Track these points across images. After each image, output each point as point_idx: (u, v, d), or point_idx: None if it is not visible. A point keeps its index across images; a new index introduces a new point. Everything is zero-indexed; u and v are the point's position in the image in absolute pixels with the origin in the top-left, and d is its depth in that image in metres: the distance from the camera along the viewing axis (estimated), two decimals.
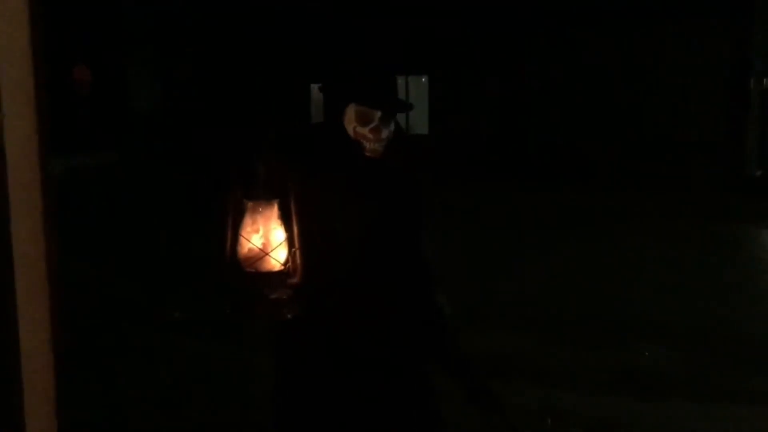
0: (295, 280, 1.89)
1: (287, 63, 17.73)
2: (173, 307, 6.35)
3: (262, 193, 1.88)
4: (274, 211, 1.89)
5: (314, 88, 17.75)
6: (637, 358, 5.32)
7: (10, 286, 0.93)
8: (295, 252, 1.89)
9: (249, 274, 1.87)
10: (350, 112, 2.09)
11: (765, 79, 15.35)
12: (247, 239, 1.86)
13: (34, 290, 0.97)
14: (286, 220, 1.89)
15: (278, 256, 1.88)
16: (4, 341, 0.94)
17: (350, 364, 2.16)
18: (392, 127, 2.12)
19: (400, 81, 14.71)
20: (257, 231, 1.87)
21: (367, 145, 2.08)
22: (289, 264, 1.90)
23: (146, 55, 19.37)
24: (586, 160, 15.08)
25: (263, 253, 1.85)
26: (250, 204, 1.88)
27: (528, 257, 8.47)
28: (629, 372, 5.07)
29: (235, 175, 1.90)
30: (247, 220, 1.88)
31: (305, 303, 1.95)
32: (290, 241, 1.89)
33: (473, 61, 16.22)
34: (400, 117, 2.23)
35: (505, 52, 15.96)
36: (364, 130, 2.07)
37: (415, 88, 16.38)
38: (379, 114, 2.07)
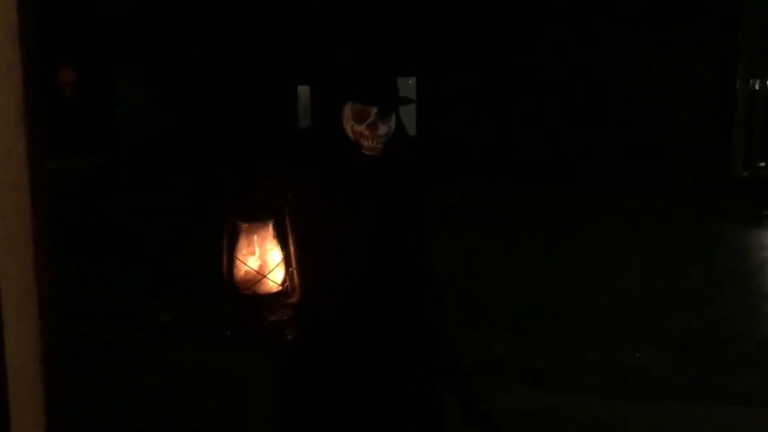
0: (293, 299, 1.86)
1: (274, 65, 17.68)
2: (161, 311, 6.28)
3: (256, 214, 1.84)
4: (270, 232, 1.85)
5: (301, 89, 17.73)
6: (630, 360, 5.30)
7: None
8: (292, 271, 1.85)
9: (247, 297, 1.83)
10: (347, 111, 2.06)
11: (751, 80, 15.45)
12: (243, 262, 1.82)
13: (22, 302, 0.91)
14: (282, 239, 1.85)
15: (275, 277, 1.84)
16: None
17: (354, 372, 2.12)
18: (392, 124, 2.08)
19: None
20: (253, 253, 1.83)
21: (365, 143, 2.05)
22: (287, 284, 1.86)
23: (132, 56, 19.27)
24: (574, 162, 15.11)
25: (260, 275, 1.82)
26: (245, 226, 1.84)
27: (518, 260, 8.45)
28: (622, 374, 5.05)
29: (229, 196, 1.86)
30: (243, 242, 1.84)
31: (308, 313, 1.90)
32: (287, 260, 1.85)
33: (461, 62, 16.22)
34: None
35: (496, 54, 15.97)
36: (361, 128, 2.04)
37: (403, 90, 16.30)
38: (375, 110, 2.04)
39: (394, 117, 2.10)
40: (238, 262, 1.83)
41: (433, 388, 2.23)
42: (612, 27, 14.85)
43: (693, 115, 14.42)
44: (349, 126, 2.06)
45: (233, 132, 17.51)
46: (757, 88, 16.00)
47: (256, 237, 1.84)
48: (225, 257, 1.83)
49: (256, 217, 1.84)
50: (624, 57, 14.83)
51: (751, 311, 6.65)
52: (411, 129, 16.61)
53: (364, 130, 2.04)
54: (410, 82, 16.79)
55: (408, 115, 16.48)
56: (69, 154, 17.06)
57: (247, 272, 1.82)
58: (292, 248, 1.84)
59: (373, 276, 2.10)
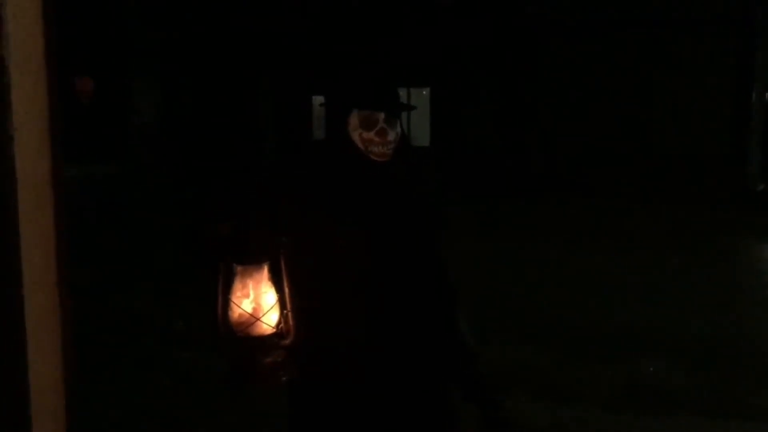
0: (288, 341, 1.86)
1: (290, 75, 17.76)
2: (174, 318, 6.30)
3: (252, 257, 1.85)
4: (264, 274, 1.86)
5: (316, 100, 17.78)
6: (643, 373, 5.27)
7: (20, 305, 0.90)
8: (287, 313, 1.85)
9: (241, 339, 1.84)
10: (354, 120, 2.06)
11: (767, 93, 15.35)
12: (237, 305, 1.83)
13: (46, 311, 0.94)
14: (277, 281, 1.85)
15: (270, 320, 1.85)
16: (15, 366, 0.90)
17: (370, 389, 2.09)
18: (398, 129, 2.09)
19: (402, 93, 14.60)
20: (247, 296, 1.84)
21: (375, 149, 2.05)
22: (282, 326, 1.86)
23: (150, 66, 19.39)
24: (589, 174, 15.07)
25: (254, 318, 1.82)
26: (239, 268, 1.84)
27: (532, 271, 8.43)
28: (634, 386, 5.02)
29: (224, 239, 1.86)
30: (237, 285, 1.84)
31: (321, 331, 1.90)
32: (282, 302, 1.85)
33: (476, 73, 16.23)
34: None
35: (509, 65, 15.98)
36: (371, 134, 2.05)
37: (417, 101, 16.38)
38: (382, 116, 2.05)
39: (398, 123, 2.11)
40: (232, 305, 1.83)
41: (450, 399, 2.21)
42: (625, 38, 14.81)
43: (708, 128, 14.35)
44: (357, 134, 2.06)
45: (250, 141, 17.60)
46: None
47: (250, 279, 1.84)
48: (220, 299, 1.83)
49: (251, 260, 1.84)
50: (639, 69, 14.79)
51: (767, 325, 6.60)
52: (425, 140, 16.69)
53: (374, 136, 2.05)
54: (424, 92, 16.82)
55: (422, 125, 16.50)
56: (85, 162, 17.16)
57: (241, 315, 1.83)
58: (287, 290, 1.84)
59: (387, 283, 2.07)
